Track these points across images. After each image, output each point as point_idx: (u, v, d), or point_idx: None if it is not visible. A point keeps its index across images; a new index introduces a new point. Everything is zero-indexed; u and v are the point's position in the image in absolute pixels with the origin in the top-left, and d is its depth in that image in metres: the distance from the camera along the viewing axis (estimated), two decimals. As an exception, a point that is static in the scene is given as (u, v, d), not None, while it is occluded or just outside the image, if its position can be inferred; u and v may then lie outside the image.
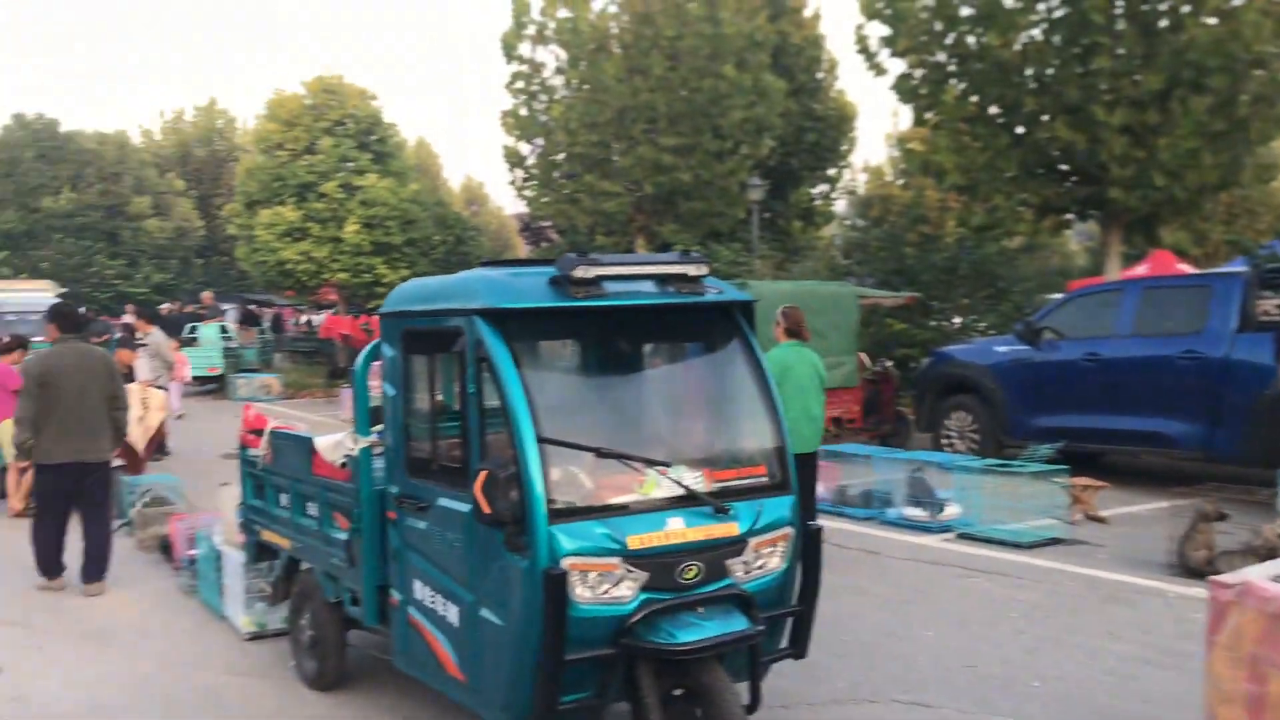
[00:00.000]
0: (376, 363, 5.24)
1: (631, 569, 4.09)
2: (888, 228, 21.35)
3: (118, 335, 16.02)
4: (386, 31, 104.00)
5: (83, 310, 27.84)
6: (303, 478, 5.84)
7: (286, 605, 6.28)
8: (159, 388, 12.64)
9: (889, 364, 15.80)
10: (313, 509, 5.77)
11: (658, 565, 4.13)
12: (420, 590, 4.70)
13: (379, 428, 5.17)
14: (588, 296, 4.33)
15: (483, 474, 4.01)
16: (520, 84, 24.15)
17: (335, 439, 5.45)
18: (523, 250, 39.39)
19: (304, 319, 33.78)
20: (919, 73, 15.59)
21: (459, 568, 4.40)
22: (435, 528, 4.57)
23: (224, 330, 25.41)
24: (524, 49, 23.86)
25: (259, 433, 6.49)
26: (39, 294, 21.23)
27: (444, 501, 4.49)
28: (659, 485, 4.30)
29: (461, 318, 4.36)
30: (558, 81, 23.87)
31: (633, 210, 23.66)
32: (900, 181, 26.82)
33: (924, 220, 20.77)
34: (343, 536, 5.36)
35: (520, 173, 25.17)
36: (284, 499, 6.18)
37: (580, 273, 4.31)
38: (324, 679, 5.75)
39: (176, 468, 12.19)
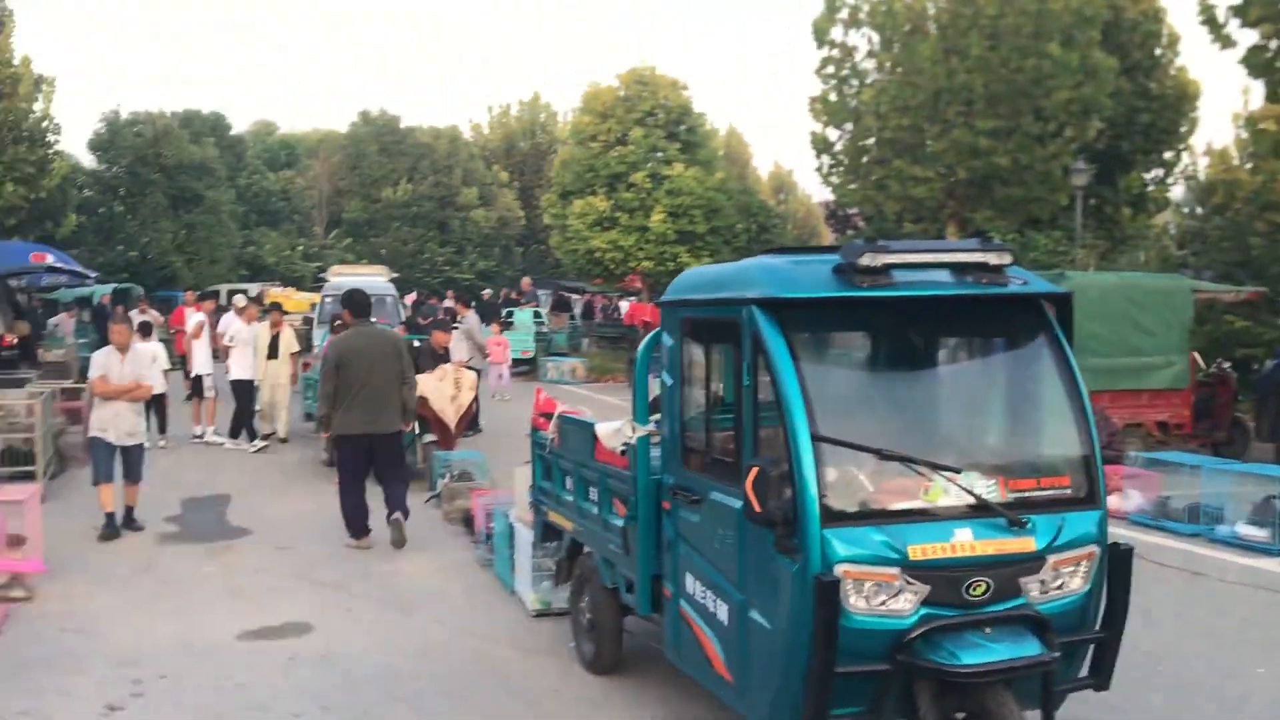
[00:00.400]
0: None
1: (912, 581, 3.83)
2: (1231, 216, 19.42)
3: (439, 318, 17.00)
4: (704, 20, 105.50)
5: (414, 294, 30.11)
6: (585, 462, 5.90)
7: (569, 586, 6.38)
8: (471, 369, 13.28)
9: (1226, 365, 14.51)
10: (593, 494, 5.82)
11: (941, 579, 3.85)
12: (691, 584, 4.60)
13: (657, 417, 5.11)
14: (873, 286, 4.07)
15: (754, 470, 3.85)
16: (830, 69, 23.81)
17: (615, 426, 5.46)
18: (828, 238, 38.87)
19: (613, 305, 34.82)
20: (1274, 44, 14.08)
21: (729, 565, 4.26)
22: (707, 522, 4.45)
23: (537, 315, 26.62)
24: (835, 33, 23.51)
25: (549, 416, 6.62)
26: (375, 278, 22.92)
27: (716, 496, 4.37)
28: (947, 492, 4.00)
29: (738, 307, 4.20)
30: (869, 65, 23.36)
31: (944, 196, 22.78)
32: (1248, 165, 24.33)
33: (1274, 207, 18.68)
34: (620, 523, 5.36)
35: (827, 159, 24.81)
36: (568, 482, 6.28)
37: (867, 260, 4.05)
38: (600, 662, 5.81)
39: (485, 445, 12.79)
